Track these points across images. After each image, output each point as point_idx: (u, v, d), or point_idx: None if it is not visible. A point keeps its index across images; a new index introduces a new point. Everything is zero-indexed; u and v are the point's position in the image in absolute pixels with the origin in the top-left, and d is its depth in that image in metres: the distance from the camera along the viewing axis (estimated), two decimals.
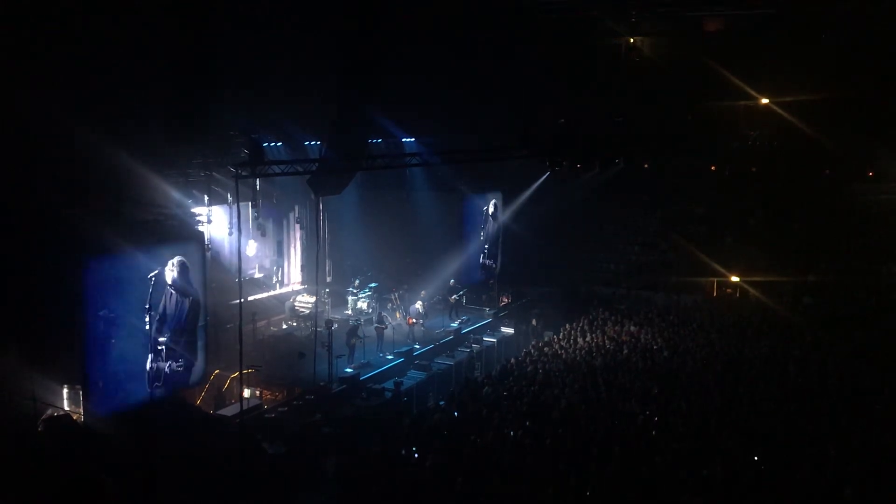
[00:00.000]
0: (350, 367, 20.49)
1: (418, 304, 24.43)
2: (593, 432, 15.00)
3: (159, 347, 16.72)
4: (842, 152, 32.90)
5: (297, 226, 25.18)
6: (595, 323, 24.51)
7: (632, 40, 37.03)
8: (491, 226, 29.83)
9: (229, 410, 17.43)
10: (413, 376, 20.90)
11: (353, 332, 21.11)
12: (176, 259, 16.77)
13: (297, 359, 19.96)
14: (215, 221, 20.00)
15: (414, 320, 23.59)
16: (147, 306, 16.14)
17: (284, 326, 23.41)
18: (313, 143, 23.03)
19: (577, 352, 21.25)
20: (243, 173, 18.07)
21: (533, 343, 23.27)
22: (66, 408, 15.74)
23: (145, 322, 16.16)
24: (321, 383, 18.82)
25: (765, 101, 34.06)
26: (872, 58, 30.88)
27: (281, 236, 24.78)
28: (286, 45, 20.47)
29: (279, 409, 17.93)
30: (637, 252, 33.77)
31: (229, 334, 19.38)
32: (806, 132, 32.33)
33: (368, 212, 26.12)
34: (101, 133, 15.13)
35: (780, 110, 33.54)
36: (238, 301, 18.08)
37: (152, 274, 16.21)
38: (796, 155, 33.72)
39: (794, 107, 32.82)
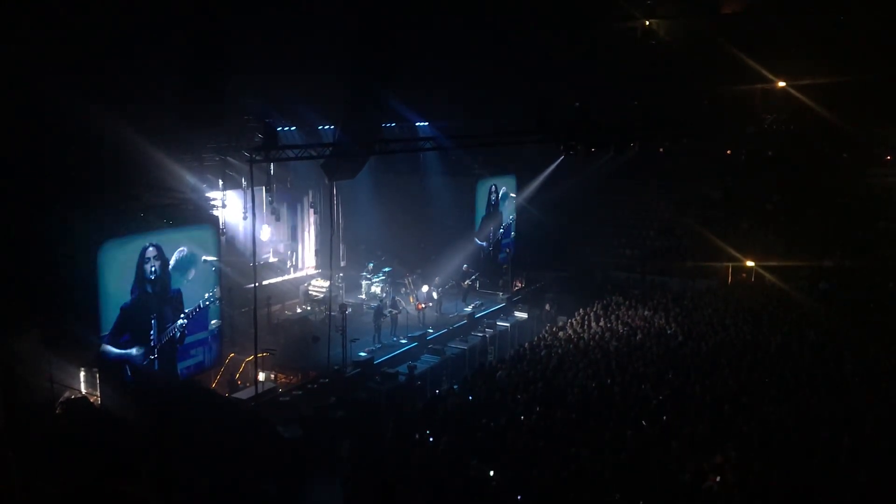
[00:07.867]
0: (377, 345, 21.04)
1: (425, 288, 24.45)
2: (607, 417, 15.00)
3: (166, 337, 16.91)
4: (860, 136, 32.58)
5: (312, 210, 25.25)
6: (609, 308, 24.42)
7: (647, 23, 36.82)
8: (505, 210, 29.79)
9: (244, 394, 17.56)
10: (427, 360, 20.95)
11: (379, 312, 21.62)
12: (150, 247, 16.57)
13: (311, 343, 20.13)
14: (230, 206, 20.13)
15: (423, 305, 23.65)
16: (148, 275, 16.33)
17: (299, 310, 23.50)
18: (327, 127, 23.01)
19: (591, 336, 21.19)
20: (257, 158, 18.11)
21: (547, 328, 23.23)
22: (83, 390, 15.91)
23: (143, 299, 16.32)
24: (335, 367, 18.92)
25: (782, 84, 33.76)
26: (891, 40, 30.53)
27: (295, 221, 24.86)
28: (301, 30, 20.44)
29: (294, 392, 18.01)
30: (652, 237, 33.57)
31: (244, 318, 19.57)
32: (823, 116, 32.04)
33: (382, 196, 26.12)
34: (116, 118, 15.23)
35: (797, 93, 33.25)
36: (253, 285, 18.22)
37: (151, 255, 16.35)
38: (813, 139, 33.39)
39: (812, 90, 32.52)
